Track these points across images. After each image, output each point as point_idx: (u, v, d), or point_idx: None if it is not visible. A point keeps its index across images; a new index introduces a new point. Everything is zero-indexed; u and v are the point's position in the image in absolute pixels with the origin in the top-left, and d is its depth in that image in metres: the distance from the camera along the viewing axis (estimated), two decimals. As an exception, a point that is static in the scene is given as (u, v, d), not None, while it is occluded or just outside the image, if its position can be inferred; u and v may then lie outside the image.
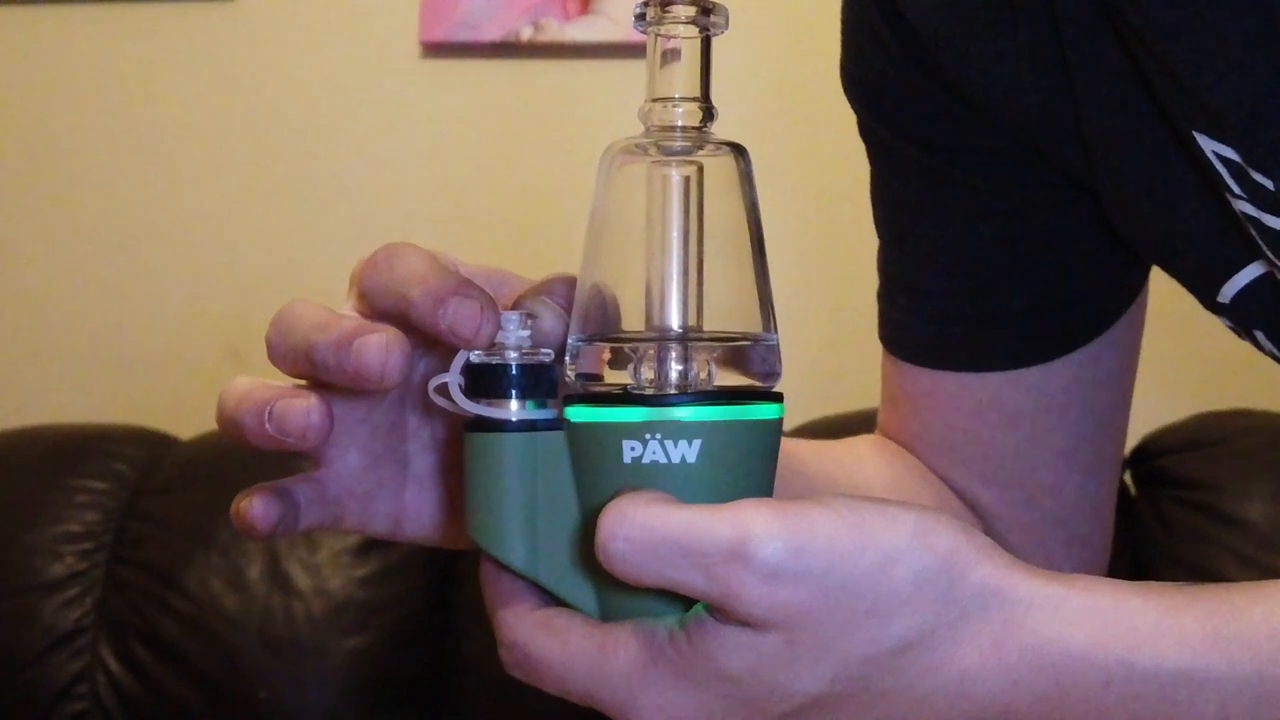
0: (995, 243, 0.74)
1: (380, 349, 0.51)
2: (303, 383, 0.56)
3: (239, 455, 1.60)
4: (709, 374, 0.52)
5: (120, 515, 1.76)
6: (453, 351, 0.53)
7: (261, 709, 1.65)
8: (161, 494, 1.77)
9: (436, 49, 2.03)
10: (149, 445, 1.85)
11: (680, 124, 0.53)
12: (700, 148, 0.54)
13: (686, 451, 0.50)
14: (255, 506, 0.56)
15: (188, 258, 2.09)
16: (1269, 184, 0.58)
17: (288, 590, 1.68)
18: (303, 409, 0.53)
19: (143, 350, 2.09)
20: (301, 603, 1.68)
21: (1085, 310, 0.76)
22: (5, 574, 1.73)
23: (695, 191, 0.53)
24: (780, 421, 0.53)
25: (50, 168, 2.13)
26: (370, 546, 1.70)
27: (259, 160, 2.08)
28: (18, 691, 1.70)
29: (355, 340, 0.51)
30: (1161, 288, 0.75)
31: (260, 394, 0.54)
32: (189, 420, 1.84)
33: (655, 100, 0.53)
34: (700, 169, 0.54)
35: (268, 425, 0.53)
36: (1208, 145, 0.60)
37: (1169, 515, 1.61)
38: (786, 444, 0.72)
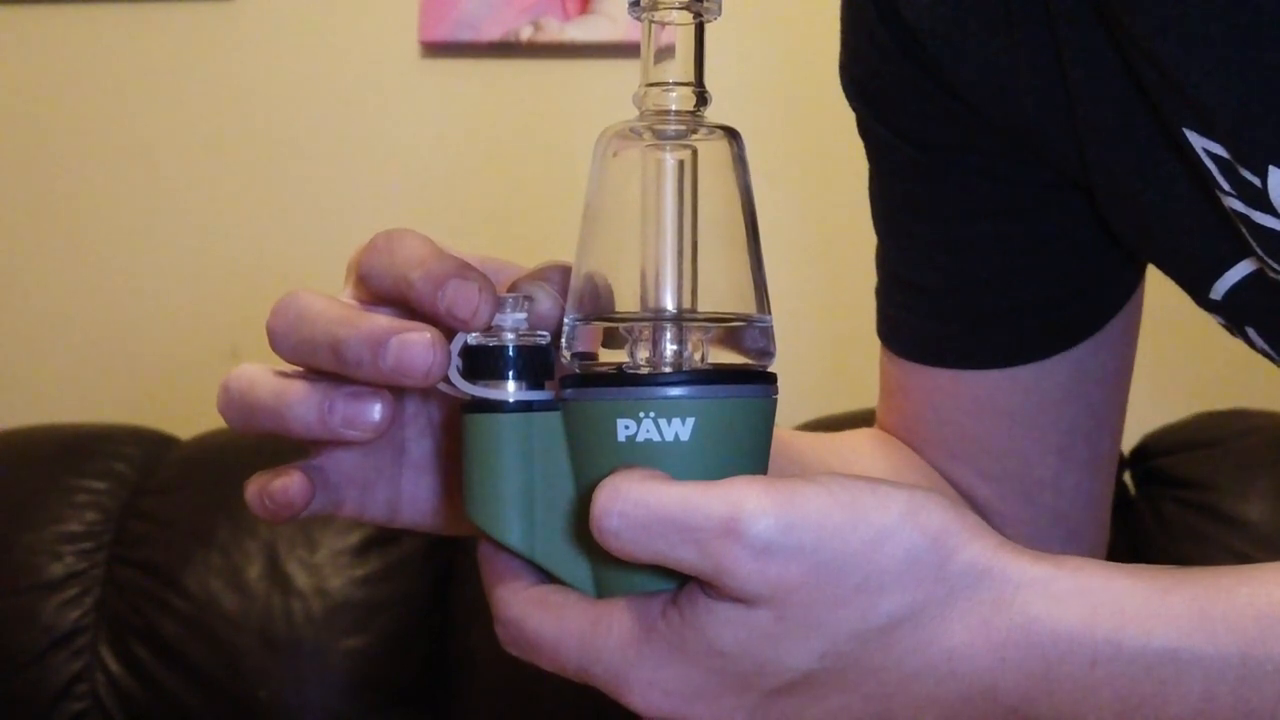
0: (992, 241, 0.75)
1: (426, 348, 0.51)
2: (299, 369, 0.56)
3: (239, 455, 1.61)
4: (703, 354, 0.53)
5: (120, 515, 1.76)
6: (450, 334, 0.53)
7: (261, 709, 1.65)
8: (161, 494, 1.77)
9: (436, 49, 2.03)
10: (149, 445, 1.85)
11: (674, 108, 0.54)
12: (694, 132, 0.54)
13: (680, 430, 0.50)
14: (295, 485, 0.56)
15: (188, 258, 2.10)
16: (1257, 181, 0.58)
17: (287, 590, 1.68)
18: (376, 405, 0.53)
19: (143, 350, 2.10)
20: (301, 603, 1.68)
21: (1082, 308, 0.77)
22: (5, 574, 1.73)
23: (689, 175, 0.54)
24: (774, 401, 0.53)
25: (50, 168, 2.13)
26: (370, 546, 1.70)
27: (259, 160, 2.08)
28: (18, 691, 1.70)
29: (393, 338, 0.51)
30: (1161, 287, 0.76)
31: (306, 387, 0.54)
32: (189, 420, 1.84)
33: (650, 85, 0.54)
34: (694, 153, 0.54)
35: (331, 419, 0.53)
36: (1198, 142, 0.60)
37: (1168, 515, 1.61)
38: (785, 435, 0.72)
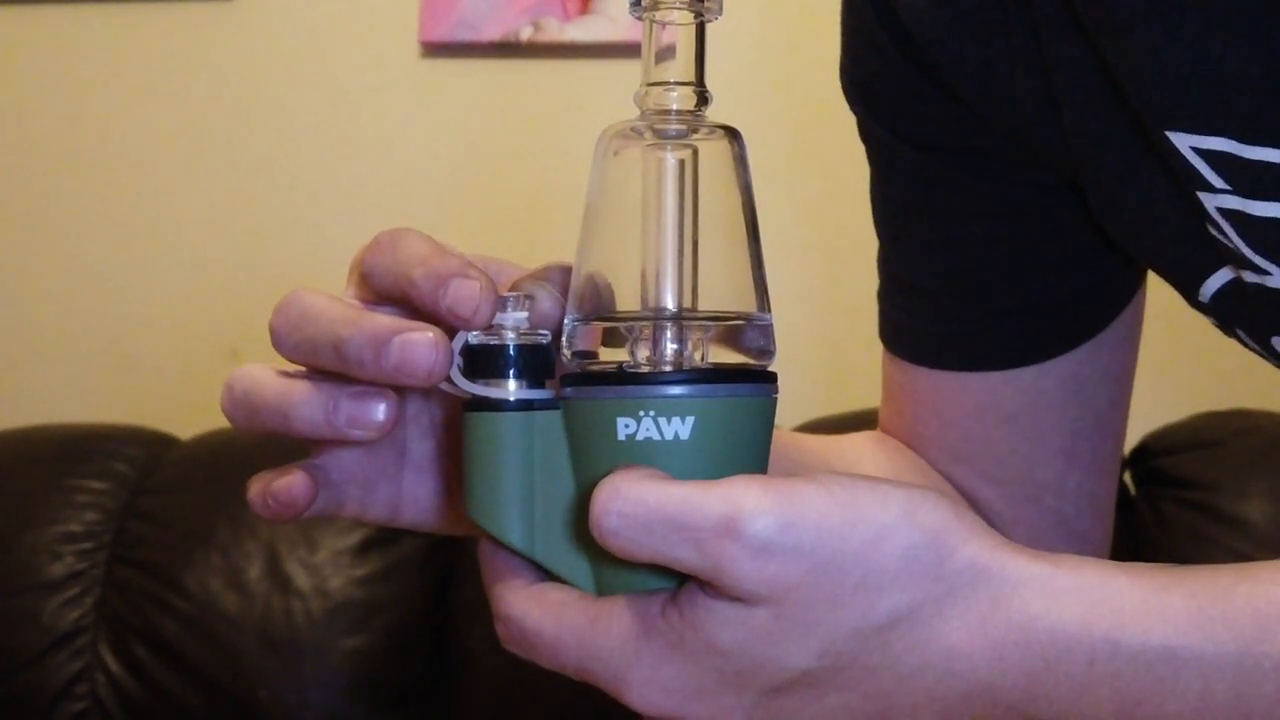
0: (992, 242, 0.75)
1: (428, 347, 0.51)
2: (301, 369, 0.56)
3: (239, 455, 1.61)
4: (703, 353, 0.53)
5: (120, 515, 1.76)
6: (451, 333, 0.53)
7: (261, 709, 1.65)
8: (161, 494, 1.77)
9: (436, 49, 2.03)
10: (149, 445, 1.85)
11: (675, 108, 0.54)
12: (695, 131, 0.54)
13: (680, 428, 0.50)
14: (298, 484, 0.56)
15: (188, 258, 2.10)
16: (1276, 156, 0.58)
17: (288, 590, 1.68)
18: (380, 405, 0.53)
19: (143, 350, 2.10)
20: (301, 603, 1.68)
21: (1083, 309, 0.77)
22: (5, 574, 1.73)
23: (690, 174, 0.54)
24: (774, 400, 0.53)
25: (50, 167, 2.13)
26: (370, 546, 1.70)
27: (259, 160, 2.08)
28: (18, 691, 1.70)
29: (395, 337, 0.51)
30: (1161, 288, 0.76)
31: (310, 387, 0.54)
32: (189, 420, 1.84)
33: (651, 85, 0.54)
34: (695, 152, 0.54)
35: (335, 418, 0.53)
36: (1184, 141, 0.60)
37: (1169, 515, 1.61)
38: (785, 436, 0.73)
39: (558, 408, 0.53)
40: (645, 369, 0.53)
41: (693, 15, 0.54)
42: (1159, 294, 0.78)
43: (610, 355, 0.54)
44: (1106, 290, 0.77)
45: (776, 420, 0.55)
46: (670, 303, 0.53)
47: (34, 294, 2.14)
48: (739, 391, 0.52)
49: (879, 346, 0.82)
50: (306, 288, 0.55)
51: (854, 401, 1.48)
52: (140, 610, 1.70)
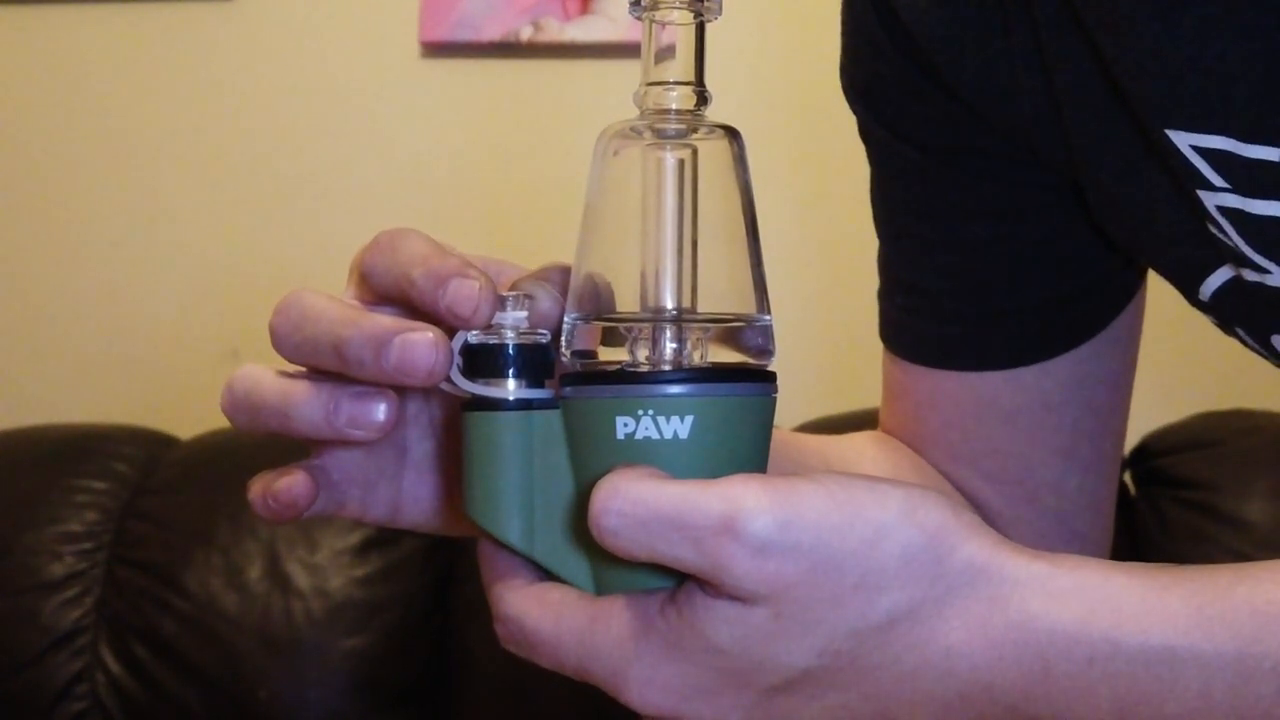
0: (993, 242, 0.75)
1: (429, 348, 0.51)
2: (301, 369, 0.56)
3: (239, 455, 1.61)
4: (703, 353, 0.53)
5: (120, 515, 1.76)
6: (451, 333, 0.53)
7: (261, 709, 1.65)
8: (161, 494, 1.77)
9: (436, 49, 2.03)
10: (149, 445, 1.85)
11: (675, 107, 0.54)
12: (694, 131, 0.54)
13: (679, 428, 0.50)
14: (299, 484, 0.57)
15: (187, 258, 2.10)
16: (1274, 154, 0.58)
17: (288, 590, 1.68)
18: (381, 405, 0.53)
19: (143, 350, 2.10)
20: (301, 603, 1.68)
21: (1083, 308, 0.77)
22: (5, 574, 1.73)
23: (690, 174, 0.54)
24: (773, 400, 0.53)
25: (50, 167, 2.13)
26: (370, 546, 1.70)
27: (259, 160, 2.08)
28: (18, 691, 1.70)
29: (395, 338, 0.52)
30: (1161, 288, 0.76)
31: (311, 387, 0.54)
32: (189, 420, 1.84)
33: (650, 84, 0.54)
34: (695, 152, 0.54)
35: (336, 418, 0.54)
36: (1184, 140, 0.60)
37: (1169, 515, 1.61)
38: (785, 436, 0.73)
39: (557, 407, 0.53)
40: (644, 368, 0.53)
41: (692, 15, 0.54)
42: (1159, 294, 0.78)
43: (610, 355, 0.54)
44: (1107, 290, 0.77)
45: (776, 420, 0.55)
46: (670, 303, 0.53)
47: (34, 294, 2.14)
48: (738, 391, 0.52)
49: (879, 346, 0.82)
50: (306, 288, 0.55)
51: (854, 401, 1.48)
52: (140, 610, 1.70)
